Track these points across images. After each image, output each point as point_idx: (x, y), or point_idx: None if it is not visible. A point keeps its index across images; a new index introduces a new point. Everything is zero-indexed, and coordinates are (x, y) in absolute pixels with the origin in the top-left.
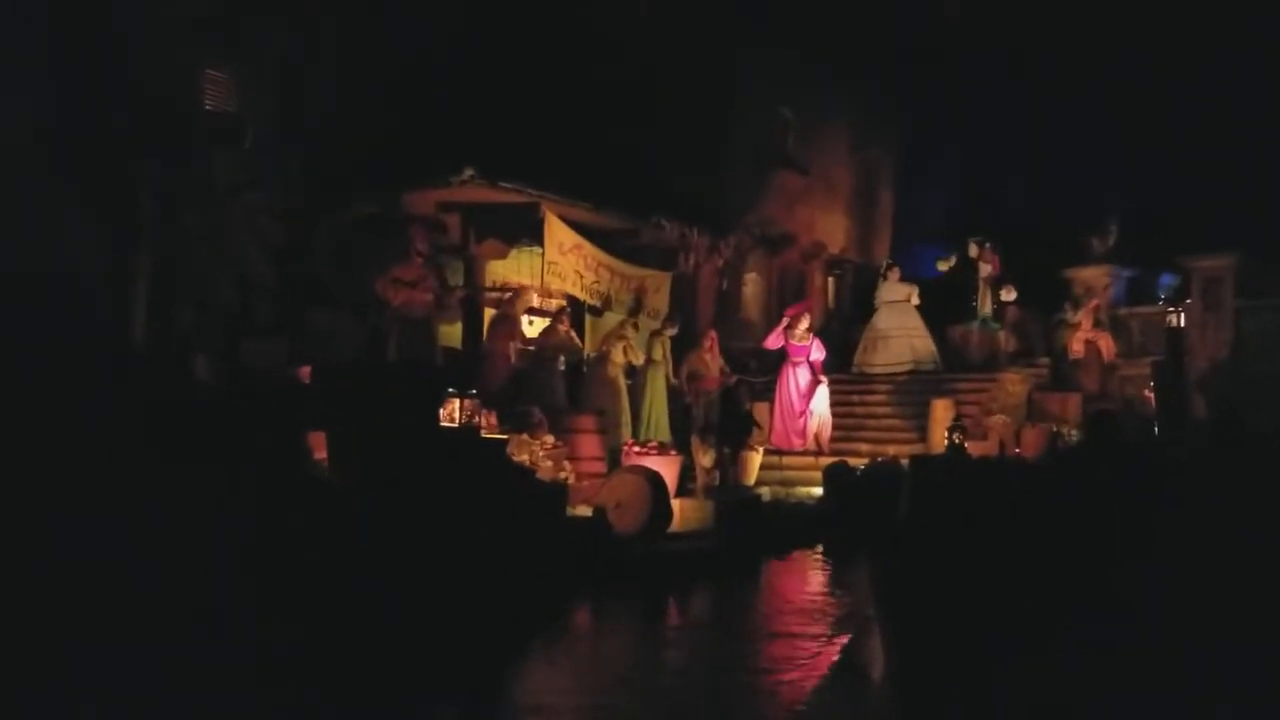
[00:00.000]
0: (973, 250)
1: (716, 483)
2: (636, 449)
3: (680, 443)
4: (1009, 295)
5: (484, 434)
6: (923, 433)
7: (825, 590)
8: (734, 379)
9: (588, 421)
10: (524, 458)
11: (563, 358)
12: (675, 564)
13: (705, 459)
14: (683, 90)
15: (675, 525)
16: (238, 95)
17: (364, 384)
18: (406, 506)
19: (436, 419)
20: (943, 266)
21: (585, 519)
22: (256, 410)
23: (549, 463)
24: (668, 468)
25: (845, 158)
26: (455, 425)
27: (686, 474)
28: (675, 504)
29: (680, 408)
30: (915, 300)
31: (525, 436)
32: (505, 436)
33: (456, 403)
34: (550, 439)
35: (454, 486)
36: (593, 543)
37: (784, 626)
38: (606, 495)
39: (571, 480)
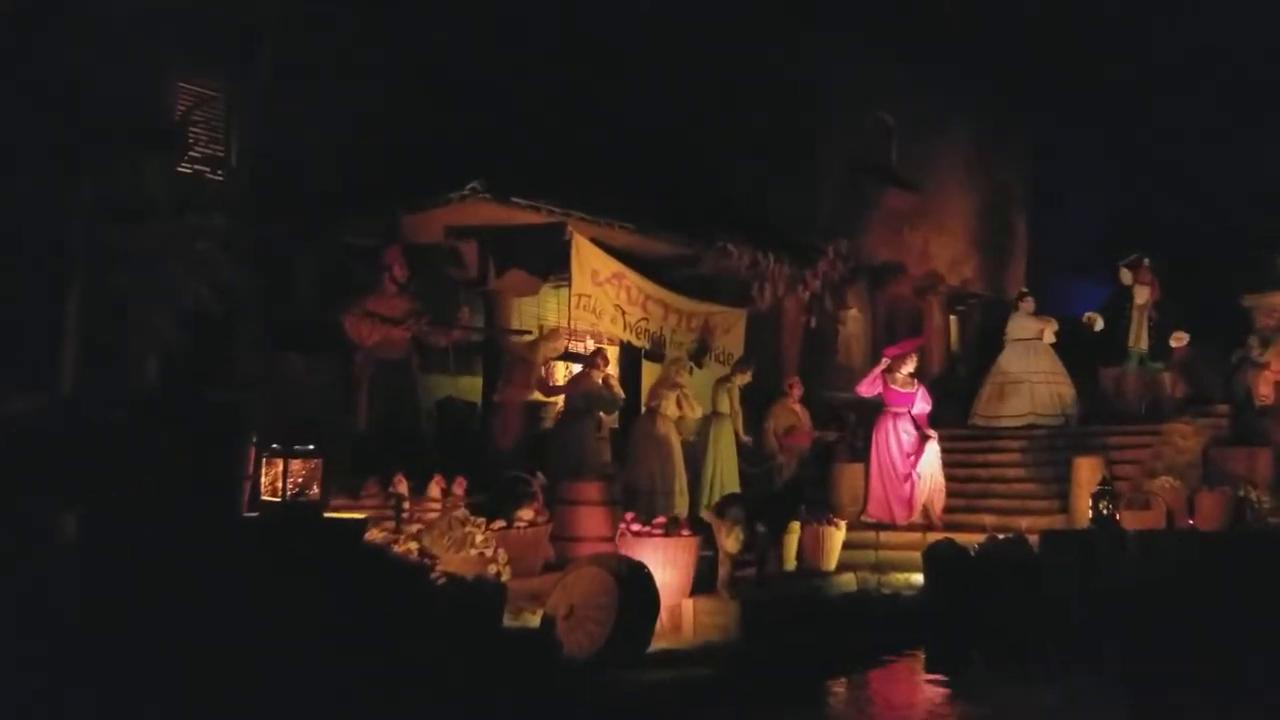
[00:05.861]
0: (1125, 276)
1: (758, 572)
2: (635, 527)
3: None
4: (1179, 341)
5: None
6: (1064, 500)
7: None
8: (835, 435)
9: (590, 490)
10: (409, 547)
11: (600, 412)
12: (654, 702)
13: (729, 541)
14: (755, 88)
15: (685, 636)
16: (218, 109)
17: (107, 439)
18: (180, 623)
19: (229, 490)
20: (1095, 325)
21: (521, 635)
22: None
23: (473, 552)
24: (675, 554)
25: (964, 174)
26: (277, 499)
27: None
28: (686, 604)
29: (762, 471)
30: (1050, 337)
31: (460, 513)
32: (365, 516)
33: (280, 464)
34: (529, 513)
35: (266, 594)
36: (525, 672)
37: None
38: (557, 599)
39: (505, 577)
